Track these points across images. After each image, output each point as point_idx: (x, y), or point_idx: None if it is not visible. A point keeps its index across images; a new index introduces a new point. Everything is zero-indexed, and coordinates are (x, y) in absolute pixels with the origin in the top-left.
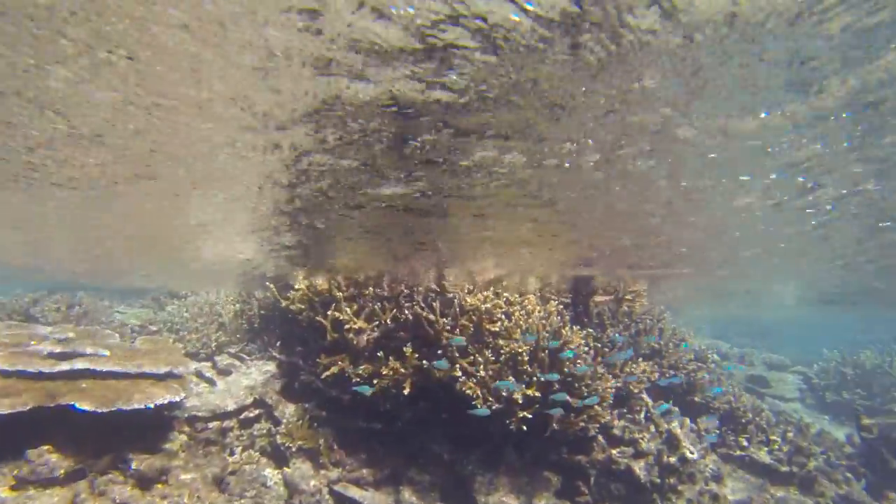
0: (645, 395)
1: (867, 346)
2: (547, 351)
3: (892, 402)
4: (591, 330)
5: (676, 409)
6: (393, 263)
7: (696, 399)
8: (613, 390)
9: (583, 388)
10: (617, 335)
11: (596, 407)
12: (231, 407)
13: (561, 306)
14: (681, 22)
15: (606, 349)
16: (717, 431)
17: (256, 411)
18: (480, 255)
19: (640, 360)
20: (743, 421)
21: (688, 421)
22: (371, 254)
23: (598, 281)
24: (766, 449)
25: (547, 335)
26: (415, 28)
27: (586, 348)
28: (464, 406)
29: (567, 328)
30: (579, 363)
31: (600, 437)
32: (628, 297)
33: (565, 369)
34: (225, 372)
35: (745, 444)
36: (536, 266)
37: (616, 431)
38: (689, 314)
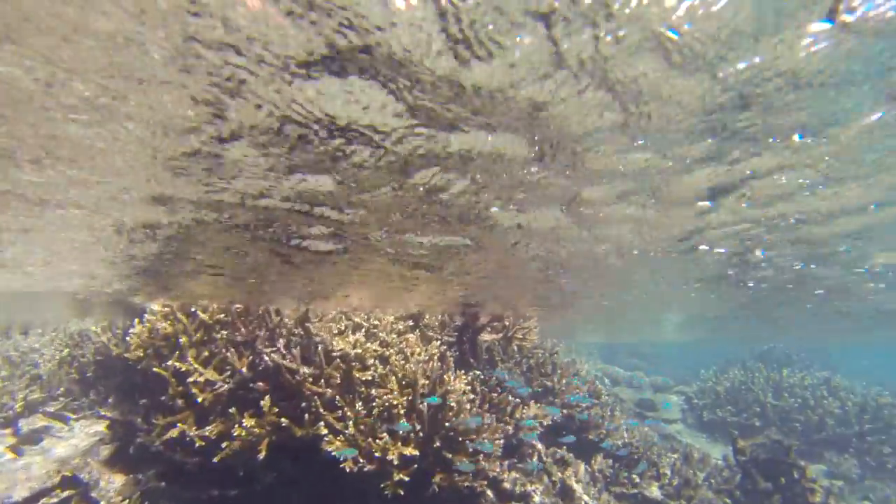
0: (537, 442)
1: (735, 364)
2: (425, 403)
3: (754, 417)
4: (478, 372)
5: (570, 455)
6: (256, 292)
7: (591, 437)
8: (502, 440)
9: (467, 442)
10: (505, 374)
11: (481, 462)
12: (23, 494)
13: (444, 347)
14: None
15: (495, 393)
16: (611, 470)
17: (64, 494)
18: (355, 287)
19: (532, 401)
20: (635, 457)
21: (582, 467)
22: (233, 276)
23: (487, 312)
24: (656, 484)
25: (427, 382)
26: None
27: (472, 395)
28: (335, 466)
29: (450, 373)
30: (463, 416)
31: (489, 493)
32: (518, 334)
33: (447, 423)
34: (32, 440)
35: (637, 480)
36: (419, 301)
37: (507, 485)
38: (580, 339)
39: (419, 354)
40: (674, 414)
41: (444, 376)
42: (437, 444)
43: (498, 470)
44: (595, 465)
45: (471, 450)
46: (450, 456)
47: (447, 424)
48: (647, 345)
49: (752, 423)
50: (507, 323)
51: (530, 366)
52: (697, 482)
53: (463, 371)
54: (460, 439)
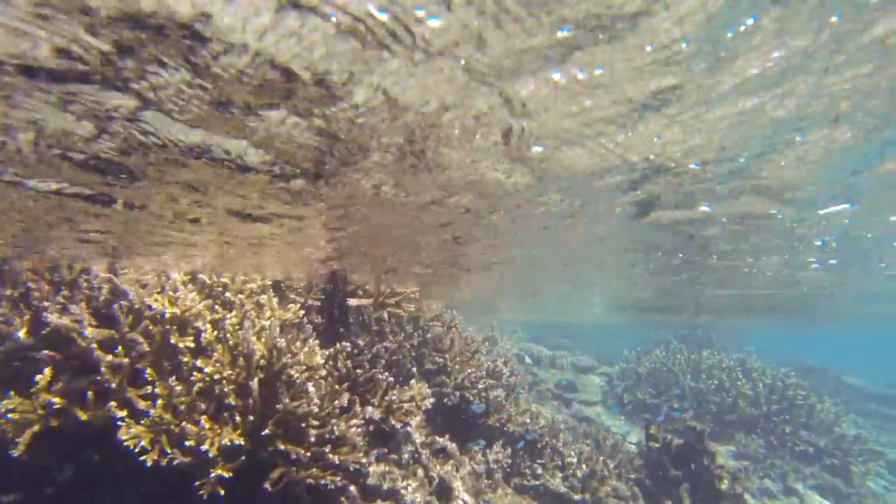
0: (413, 430)
1: (659, 345)
2: (263, 378)
3: (674, 399)
4: (346, 344)
5: (454, 444)
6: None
7: (490, 422)
8: (361, 427)
9: (310, 430)
10: (383, 348)
11: (329, 456)
12: None
13: (303, 312)
14: None
15: (361, 370)
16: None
17: None
18: (194, 235)
19: (414, 381)
20: (538, 446)
21: (467, 459)
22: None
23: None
24: (560, 475)
25: (267, 353)
26: None
27: (330, 372)
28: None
29: (301, 343)
30: (303, 396)
31: (353, 488)
32: (390, 300)
33: (280, 406)
34: None
35: (539, 470)
36: (279, 260)
37: (372, 480)
38: (505, 317)
39: (267, 319)
40: (594, 395)
41: (292, 346)
42: (269, 430)
43: (364, 461)
44: (492, 454)
45: (313, 438)
46: (283, 447)
47: (279, 407)
48: (581, 326)
49: (671, 404)
50: (381, 288)
51: (424, 340)
52: (605, 473)
53: (317, 342)
54: (301, 425)
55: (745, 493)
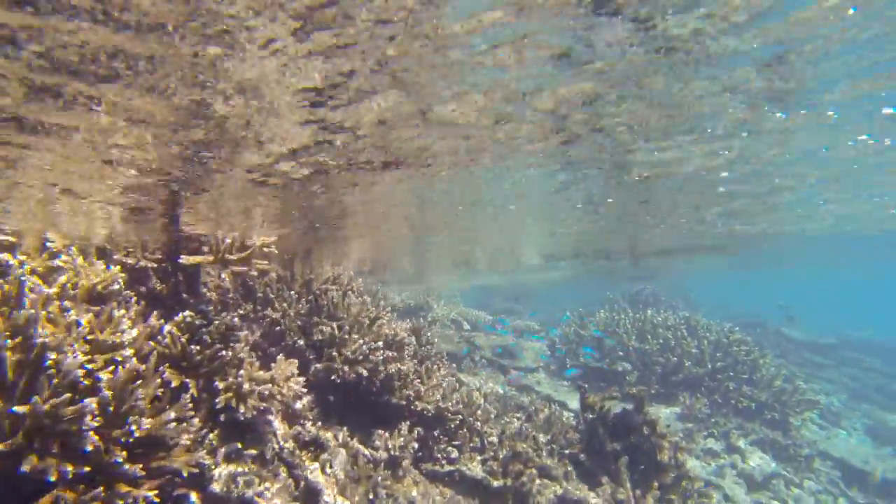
0: (275, 420)
1: (603, 305)
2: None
3: (619, 361)
4: (187, 314)
5: (329, 434)
6: None
7: (394, 400)
8: (190, 424)
9: (87, 434)
10: (234, 321)
11: (127, 466)
12: None
13: (123, 276)
14: None
15: (198, 346)
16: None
17: None
18: None
19: (282, 357)
20: (452, 425)
21: (342, 453)
22: None
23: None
24: (479, 458)
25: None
26: None
27: (131, 351)
28: None
29: (114, 312)
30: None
31: (193, 497)
32: (232, 256)
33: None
34: None
35: (454, 454)
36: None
37: (218, 486)
38: (444, 284)
39: (60, 285)
40: (534, 361)
41: (90, 318)
42: (30, 423)
43: (207, 462)
44: (397, 438)
45: (91, 446)
46: (40, 464)
47: (37, 409)
48: (527, 288)
49: (615, 367)
50: (222, 240)
51: (316, 306)
52: (531, 452)
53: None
54: (74, 428)
55: (689, 459)
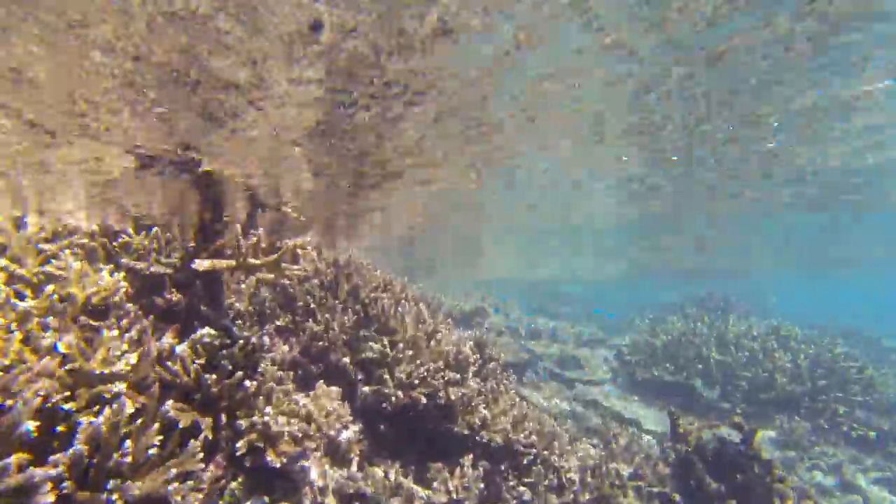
0: (312, 469)
1: (673, 310)
2: None
3: (696, 376)
4: (209, 331)
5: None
6: None
7: (457, 429)
8: (200, 481)
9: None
10: (264, 339)
11: None
12: None
13: (123, 285)
14: None
15: (217, 375)
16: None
17: None
18: None
19: (322, 382)
20: (524, 460)
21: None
22: None
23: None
24: (556, 501)
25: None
26: None
27: (123, 387)
28: None
29: (107, 333)
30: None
31: None
32: (256, 260)
33: None
34: None
35: (527, 495)
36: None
37: None
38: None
39: (45, 298)
40: (601, 374)
41: (73, 341)
42: None
43: None
44: (458, 477)
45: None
46: None
47: None
48: (580, 287)
49: (692, 383)
50: (241, 238)
51: (364, 317)
52: (618, 495)
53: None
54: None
55: None
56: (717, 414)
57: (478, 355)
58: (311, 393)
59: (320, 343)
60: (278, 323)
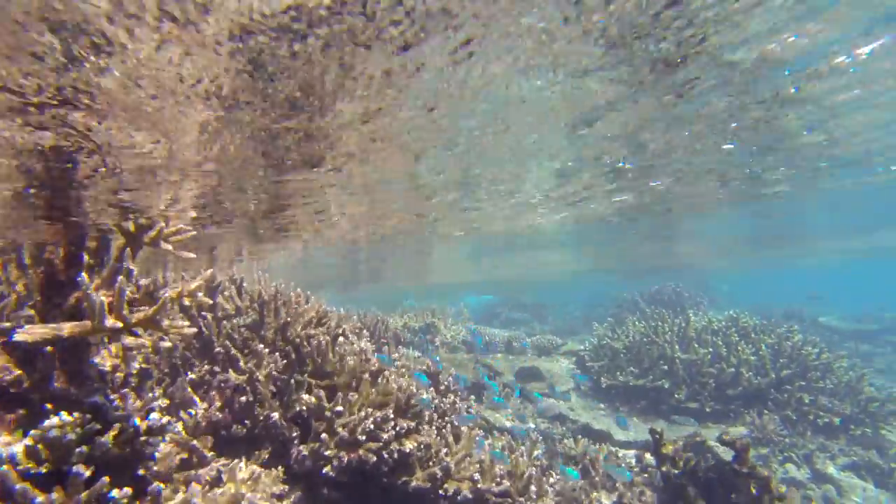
0: None
1: (629, 307)
2: None
3: (663, 377)
4: (65, 417)
5: None
6: None
7: (415, 484)
8: None
9: None
10: (153, 417)
11: None
12: None
13: None
14: None
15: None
16: None
17: None
18: None
19: (242, 464)
20: None
21: None
22: None
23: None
24: None
25: None
26: None
27: None
28: None
29: None
30: None
31: None
32: (114, 322)
33: None
34: None
35: None
36: None
37: None
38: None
39: None
40: (564, 382)
41: None
42: None
43: None
44: None
45: None
46: None
47: None
48: (532, 292)
49: (659, 384)
50: (93, 295)
51: (298, 360)
52: None
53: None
54: None
55: None
56: (687, 416)
57: (431, 390)
58: (228, 465)
59: (243, 398)
60: (192, 377)
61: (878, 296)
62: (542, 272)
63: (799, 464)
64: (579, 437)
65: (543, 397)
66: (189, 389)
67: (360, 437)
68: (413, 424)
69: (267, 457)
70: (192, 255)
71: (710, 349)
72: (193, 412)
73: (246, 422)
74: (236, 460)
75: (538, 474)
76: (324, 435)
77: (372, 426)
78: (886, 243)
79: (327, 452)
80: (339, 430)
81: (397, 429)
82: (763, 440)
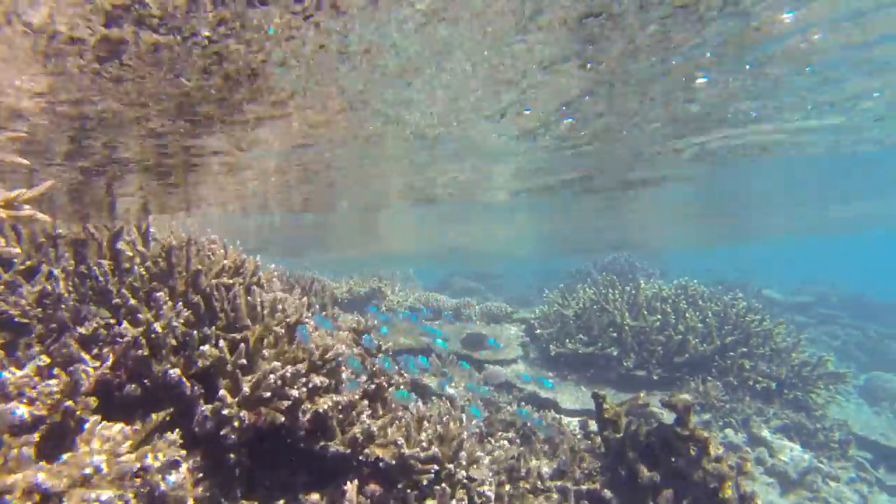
0: None
1: (581, 277)
2: None
3: (612, 345)
4: None
5: None
6: None
7: (333, 448)
8: None
9: None
10: None
11: None
12: None
13: None
14: None
15: None
16: None
17: None
18: None
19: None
20: (424, 479)
21: None
22: None
23: None
24: None
25: None
26: None
27: None
28: None
29: None
30: None
31: None
32: None
33: None
34: None
35: None
36: None
37: None
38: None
39: None
40: (512, 351)
41: None
42: None
43: None
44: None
45: None
46: None
47: None
48: (486, 257)
49: (608, 352)
50: None
51: (208, 313)
52: (540, 502)
53: None
54: None
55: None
56: (634, 383)
57: (360, 347)
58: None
59: (139, 352)
60: (81, 331)
61: (824, 271)
62: (497, 248)
63: (737, 428)
64: (523, 403)
65: (490, 364)
66: (74, 346)
67: (264, 393)
68: (328, 381)
69: (168, 419)
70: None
71: (659, 316)
72: (79, 371)
73: (144, 381)
74: (118, 423)
75: (473, 440)
76: (222, 392)
77: (279, 382)
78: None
79: (225, 412)
80: (242, 386)
81: (309, 385)
82: (706, 406)
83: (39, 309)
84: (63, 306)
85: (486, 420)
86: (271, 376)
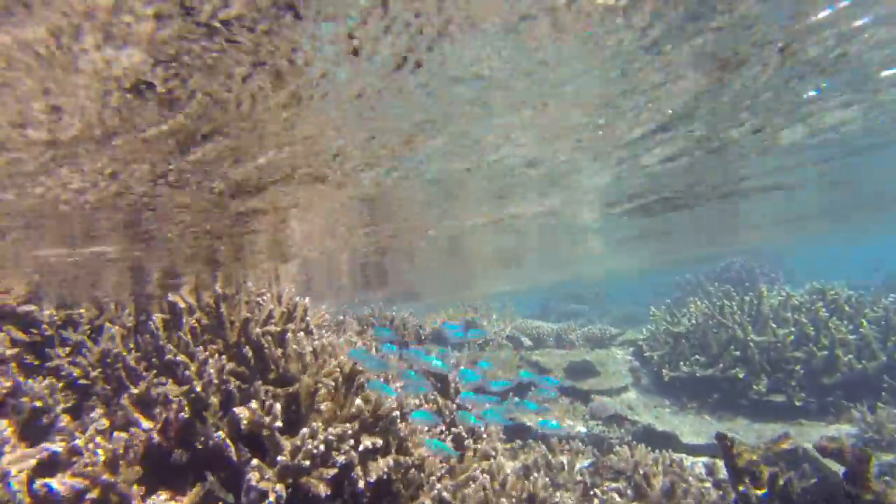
0: None
1: (691, 289)
2: None
3: (737, 365)
4: None
5: None
6: None
7: None
8: None
9: None
10: None
11: None
12: None
13: None
14: None
15: None
16: None
17: None
18: None
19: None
20: None
21: None
22: None
23: None
24: None
25: None
26: None
27: None
28: None
29: None
30: None
31: None
32: None
33: None
34: None
35: None
36: None
37: None
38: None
39: None
40: (621, 377)
41: None
42: None
43: None
44: None
45: None
46: None
47: None
48: (590, 284)
49: (732, 374)
50: None
51: (259, 361)
52: None
53: None
54: None
55: None
56: (772, 411)
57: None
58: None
59: (181, 414)
60: (134, 391)
61: None
62: (595, 269)
63: None
64: (633, 443)
65: (597, 395)
66: (130, 407)
67: (302, 461)
68: (386, 440)
69: (215, 489)
70: None
71: (793, 328)
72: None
73: (195, 444)
74: (162, 495)
75: (577, 493)
76: (255, 461)
77: (321, 447)
78: None
79: (261, 486)
80: (279, 457)
81: (359, 449)
82: (881, 442)
83: (100, 369)
84: (120, 364)
85: (591, 467)
86: (310, 441)
